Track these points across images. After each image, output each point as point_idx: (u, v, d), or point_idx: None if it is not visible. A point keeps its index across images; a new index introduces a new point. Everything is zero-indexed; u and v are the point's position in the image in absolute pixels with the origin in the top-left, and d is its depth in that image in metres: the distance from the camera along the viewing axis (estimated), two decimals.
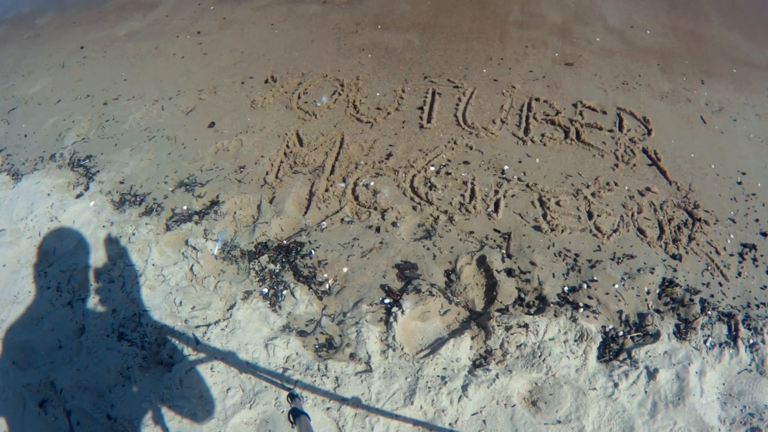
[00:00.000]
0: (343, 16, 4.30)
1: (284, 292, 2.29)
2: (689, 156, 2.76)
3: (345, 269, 2.34)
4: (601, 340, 2.01)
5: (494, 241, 2.37)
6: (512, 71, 3.41)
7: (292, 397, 1.59)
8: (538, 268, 2.23)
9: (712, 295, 2.14)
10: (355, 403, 1.89)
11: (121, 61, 4.21)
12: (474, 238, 2.39)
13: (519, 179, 2.65)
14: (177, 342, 2.16)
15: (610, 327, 2.05)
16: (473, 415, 1.86)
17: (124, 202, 2.83)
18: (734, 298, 2.13)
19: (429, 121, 3.05)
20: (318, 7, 4.50)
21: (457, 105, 3.15)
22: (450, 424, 1.83)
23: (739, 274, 2.22)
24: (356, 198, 2.65)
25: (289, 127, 3.16)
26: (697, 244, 2.32)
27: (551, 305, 2.11)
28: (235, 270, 2.42)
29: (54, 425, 1.99)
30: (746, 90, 3.24)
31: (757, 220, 2.43)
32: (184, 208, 2.72)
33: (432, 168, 2.75)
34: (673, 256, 2.27)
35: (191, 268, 2.43)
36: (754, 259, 2.27)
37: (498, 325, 2.03)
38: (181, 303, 2.30)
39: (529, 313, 2.09)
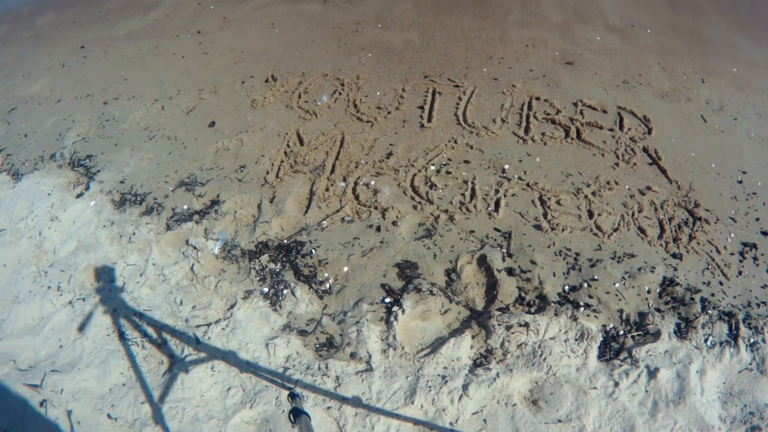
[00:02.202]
0: (344, 15, 4.29)
1: (285, 291, 2.29)
2: (690, 155, 2.76)
3: (345, 268, 2.34)
4: (601, 339, 2.01)
5: (495, 240, 2.37)
6: (512, 70, 3.41)
7: (293, 396, 1.59)
8: (539, 267, 2.23)
9: (712, 294, 2.13)
10: (356, 402, 1.89)
11: (121, 61, 4.21)
12: (474, 237, 2.39)
13: (519, 178, 2.64)
14: (177, 341, 2.16)
15: (611, 326, 2.05)
16: (474, 414, 1.86)
17: (125, 202, 2.83)
18: (735, 297, 2.13)
19: (429, 120, 3.05)
20: (318, 6, 4.50)
21: (458, 104, 3.15)
22: (451, 423, 1.83)
23: (740, 273, 2.22)
24: (357, 197, 2.65)
25: (289, 126, 3.16)
26: (698, 243, 2.32)
27: (552, 304, 2.10)
28: (236, 269, 2.42)
29: (54, 425, 1.99)
30: (747, 89, 3.24)
31: (757, 219, 2.43)
32: (185, 207, 2.72)
33: (432, 167, 2.74)
34: (674, 255, 2.27)
35: (192, 268, 2.43)
36: (755, 258, 2.27)
37: (498, 324, 2.03)
38: (181, 302, 2.30)
39: (529, 312, 2.09)
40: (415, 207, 2.55)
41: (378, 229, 2.47)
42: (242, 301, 2.26)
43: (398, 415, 1.85)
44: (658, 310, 2.10)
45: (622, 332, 2.03)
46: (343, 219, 2.54)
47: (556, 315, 2.06)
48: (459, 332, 2.06)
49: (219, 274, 2.41)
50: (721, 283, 2.18)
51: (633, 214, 2.45)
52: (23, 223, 2.79)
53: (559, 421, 1.82)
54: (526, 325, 2.02)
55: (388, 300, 2.19)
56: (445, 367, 1.96)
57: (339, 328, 2.13)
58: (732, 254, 2.29)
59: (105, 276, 2.47)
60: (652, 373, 1.88)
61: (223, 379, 2.02)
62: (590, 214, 2.46)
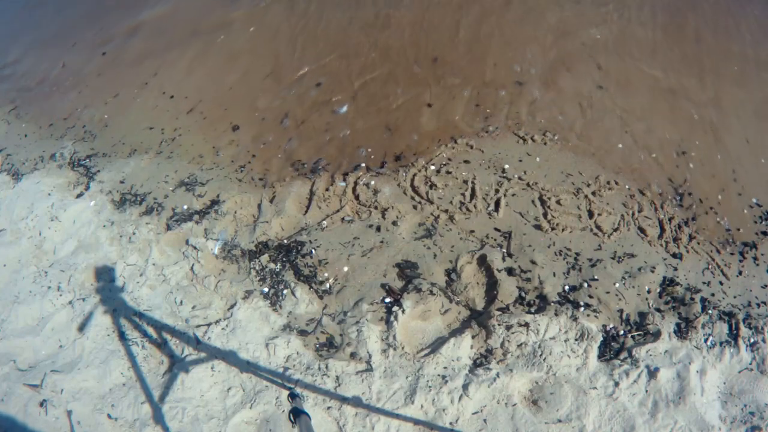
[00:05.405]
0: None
1: (285, 291, 2.29)
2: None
3: (345, 268, 2.34)
4: (601, 339, 2.01)
5: (495, 240, 2.37)
6: None
7: (293, 396, 1.59)
8: (539, 267, 2.23)
9: (712, 294, 2.13)
10: (356, 402, 1.89)
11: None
12: (475, 237, 2.39)
13: (519, 178, 2.64)
14: (177, 341, 2.16)
15: (611, 326, 2.05)
16: (474, 414, 1.86)
17: (125, 202, 2.83)
18: (735, 297, 2.13)
19: None
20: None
21: None
22: (451, 423, 1.83)
23: (740, 272, 2.22)
24: (357, 197, 2.65)
25: None
26: (698, 243, 2.32)
27: (552, 304, 2.10)
28: (236, 269, 2.42)
29: (54, 425, 1.99)
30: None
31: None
32: (185, 207, 2.72)
33: (432, 167, 2.74)
34: (674, 255, 2.27)
35: (192, 268, 2.43)
36: (755, 258, 2.27)
37: (499, 324, 2.03)
38: (181, 302, 2.30)
39: (529, 312, 2.09)
40: (415, 207, 2.55)
41: (378, 229, 2.47)
42: (242, 301, 2.26)
43: (398, 415, 1.85)
44: (658, 309, 2.10)
45: (622, 332, 2.04)
46: (343, 219, 2.54)
47: (556, 315, 2.06)
48: (459, 332, 2.06)
49: (219, 274, 2.41)
50: (721, 283, 2.18)
51: (633, 214, 2.45)
52: (23, 223, 2.79)
53: (559, 421, 1.82)
54: (526, 325, 2.02)
55: (388, 300, 2.19)
56: (445, 367, 1.96)
57: (339, 328, 2.13)
58: (732, 254, 2.29)
59: (105, 276, 2.46)
60: (652, 373, 1.88)
61: (223, 379, 2.02)
62: (590, 214, 2.46)
